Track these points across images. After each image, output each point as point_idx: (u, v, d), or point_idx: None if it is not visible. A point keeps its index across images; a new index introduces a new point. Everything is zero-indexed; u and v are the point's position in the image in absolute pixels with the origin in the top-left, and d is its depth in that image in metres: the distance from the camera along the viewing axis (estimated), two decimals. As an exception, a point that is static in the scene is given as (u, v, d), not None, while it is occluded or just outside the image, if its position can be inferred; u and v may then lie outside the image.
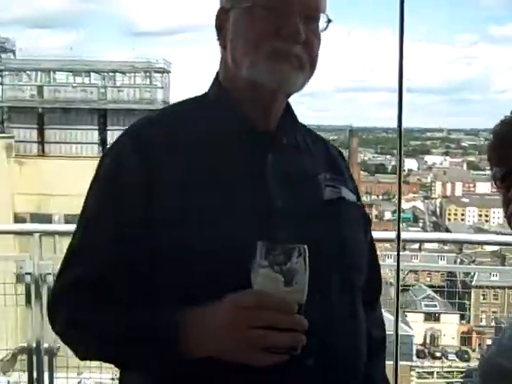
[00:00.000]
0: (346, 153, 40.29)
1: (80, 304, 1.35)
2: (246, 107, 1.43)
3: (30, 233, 4.08)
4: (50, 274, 4.02)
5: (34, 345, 4.06)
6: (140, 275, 1.34)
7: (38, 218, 36.23)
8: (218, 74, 1.50)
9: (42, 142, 37.91)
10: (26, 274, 3.95)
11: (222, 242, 1.28)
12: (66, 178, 34.67)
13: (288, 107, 1.52)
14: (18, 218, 36.47)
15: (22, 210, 36.83)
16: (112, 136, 37.87)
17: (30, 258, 3.99)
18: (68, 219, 36.85)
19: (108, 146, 1.55)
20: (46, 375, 4.56)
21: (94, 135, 37.78)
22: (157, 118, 1.51)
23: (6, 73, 39.04)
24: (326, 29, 1.44)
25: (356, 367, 1.47)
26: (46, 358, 4.29)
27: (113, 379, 5.41)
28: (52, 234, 4.30)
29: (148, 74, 38.66)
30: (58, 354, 4.62)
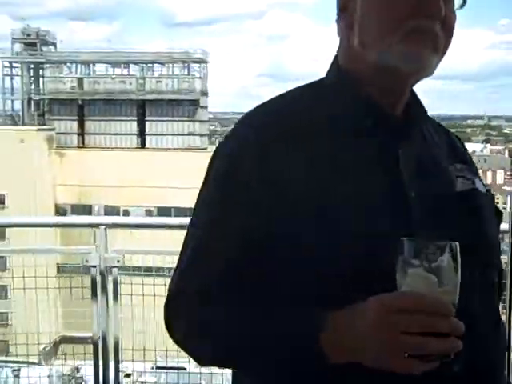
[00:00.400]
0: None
1: (203, 310, 1.24)
2: (373, 93, 1.29)
3: (96, 225, 4.06)
4: (116, 267, 3.99)
5: (100, 336, 4.06)
6: (265, 276, 1.21)
7: (78, 209, 36.81)
8: (336, 58, 1.36)
9: (82, 133, 38.38)
10: (91, 266, 3.93)
11: (356, 239, 1.17)
12: (106, 169, 35.13)
13: (413, 93, 1.38)
14: (58, 209, 37.06)
15: (63, 201, 37.39)
16: (150, 126, 38.20)
17: (95, 251, 3.96)
18: (108, 210, 37.39)
19: (225, 135, 1.37)
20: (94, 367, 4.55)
21: (133, 126, 38.08)
22: (274, 106, 1.36)
23: (47, 65, 39.59)
24: (462, 6, 1.28)
25: (502, 371, 1.37)
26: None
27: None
28: (117, 226, 4.25)
29: (186, 64, 38.79)
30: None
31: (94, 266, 3.98)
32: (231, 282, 1.22)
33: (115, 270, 4.02)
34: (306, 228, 1.18)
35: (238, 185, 1.24)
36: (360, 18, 1.26)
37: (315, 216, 1.17)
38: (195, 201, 1.32)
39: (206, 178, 1.33)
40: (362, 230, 1.17)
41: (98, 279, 4.01)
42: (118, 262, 3.99)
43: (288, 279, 1.20)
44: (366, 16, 1.25)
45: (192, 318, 1.25)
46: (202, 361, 1.33)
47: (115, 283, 4.05)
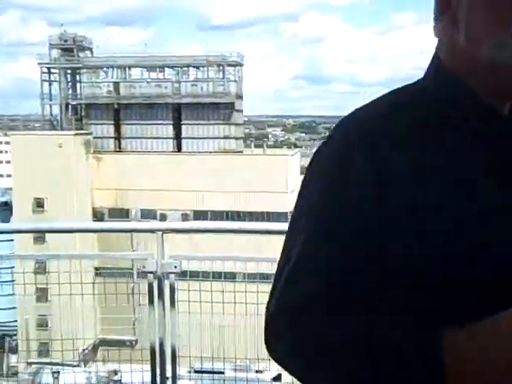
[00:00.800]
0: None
1: (309, 326, 1.13)
2: (482, 93, 1.19)
3: (151, 230, 4.06)
4: (172, 273, 3.96)
5: (157, 341, 4.06)
6: (381, 290, 1.11)
7: (115, 212, 37.16)
8: (435, 59, 1.27)
9: (118, 137, 38.73)
10: (149, 272, 3.91)
11: (473, 248, 1.09)
12: (142, 173, 35.38)
13: None
14: (96, 213, 37.45)
15: (100, 205, 37.77)
16: (186, 130, 38.39)
17: (152, 257, 3.94)
18: (144, 213, 37.68)
19: (328, 137, 1.28)
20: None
21: (169, 130, 38.29)
22: (377, 108, 1.27)
23: (84, 70, 40.02)
24: None
25: None
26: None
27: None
28: (172, 231, 4.22)
29: (221, 67, 38.87)
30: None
31: (152, 272, 3.96)
32: (341, 297, 1.13)
33: (172, 276, 4.00)
34: (435, 238, 1.09)
35: (349, 189, 1.15)
36: (467, 13, 1.17)
37: (424, 221, 1.09)
38: (294, 204, 1.24)
39: (308, 181, 1.23)
40: (476, 239, 1.09)
41: (155, 284, 3.99)
42: (175, 267, 3.98)
43: (407, 293, 1.11)
44: (475, 9, 1.16)
45: (297, 336, 1.15)
46: (304, 381, 1.23)
47: (172, 289, 4.05)
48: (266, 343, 1.19)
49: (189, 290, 4.30)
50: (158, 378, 4.08)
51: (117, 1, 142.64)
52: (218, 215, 34.12)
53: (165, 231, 3.98)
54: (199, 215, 35.06)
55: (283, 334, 1.17)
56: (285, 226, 1.31)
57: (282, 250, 1.21)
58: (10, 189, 39.02)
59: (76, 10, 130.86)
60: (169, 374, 4.24)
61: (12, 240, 20.41)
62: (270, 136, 71.41)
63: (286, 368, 1.20)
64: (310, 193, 1.21)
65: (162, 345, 4.07)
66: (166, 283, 4.01)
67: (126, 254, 5.54)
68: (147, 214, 35.85)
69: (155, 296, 4.02)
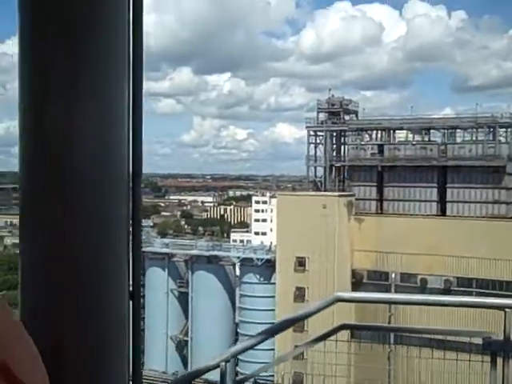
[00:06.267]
0: None
1: None
2: None
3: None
4: None
5: None
6: None
7: (374, 274, 36.77)
8: None
9: (380, 199, 38.61)
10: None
11: None
12: (404, 236, 34.65)
13: None
14: (355, 274, 37.39)
15: (360, 266, 37.67)
16: (451, 194, 37.00)
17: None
18: (404, 277, 36.75)
19: None
20: None
21: (433, 192, 37.25)
22: None
23: (349, 133, 40.88)
24: None
25: None
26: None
27: None
28: None
29: (491, 129, 37.08)
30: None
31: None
32: None
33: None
34: None
35: None
36: None
37: None
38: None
39: None
40: None
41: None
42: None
43: None
44: None
45: None
46: None
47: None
48: None
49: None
50: None
51: (373, 66, 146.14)
52: (485, 284, 32.11)
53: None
54: (463, 282, 33.33)
55: None
56: None
57: None
58: (274, 246, 40.74)
59: (334, 75, 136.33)
60: None
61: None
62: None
63: None
64: None
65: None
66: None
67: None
68: (407, 278, 34.95)
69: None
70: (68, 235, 1.88)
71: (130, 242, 2.06)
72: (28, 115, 1.91)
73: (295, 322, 4.48)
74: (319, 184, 42.58)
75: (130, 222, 2.07)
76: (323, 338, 4.65)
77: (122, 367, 2.00)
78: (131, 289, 2.09)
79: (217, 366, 4.42)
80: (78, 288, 1.87)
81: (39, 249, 1.89)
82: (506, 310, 3.48)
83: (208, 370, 4.91)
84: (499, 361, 3.53)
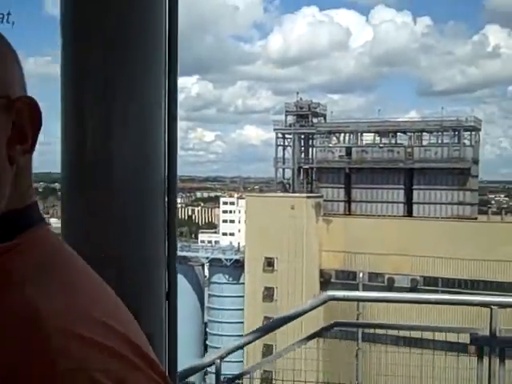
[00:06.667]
0: None
1: None
2: None
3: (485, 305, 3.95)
4: None
5: None
6: None
7: (342, 274, 37.18)
8: None
9: (348, 200, 39.08)
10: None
11: None
12: (371, 237, 35.14)
13: None
14: (323, 274, 37.78)
15: (328, 267, 38.07)
16: (418, 195, 37.66)
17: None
18: (372, 277, 37.23)
19: None
20: None
21: (400, 194, 37.86)
22: None
23: (317, 136, 41.28)
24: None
25: None
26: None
27: None
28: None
29: (457, 132, 37.84)
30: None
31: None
32: None
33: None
34: None
35: None
36: None
37: None
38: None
39: None
40: None
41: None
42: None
43: None
44: None
45: None
46: None
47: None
48: None
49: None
50: None
51: (337, 70, 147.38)
52: (451, 283, 32.73)
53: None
54: (429, 282, 33.91)
55: None
56: None
57: None
58: (242, 247, 40.95)
59: (302, 79, 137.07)
60: None
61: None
62: (492, 202, 68.28)
63: None
64: None
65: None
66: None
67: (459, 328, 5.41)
68: (374, 278, 35.42)
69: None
70: (112, 244, 1.99)
71: (167, 247, 2.22)
72: (70, 123, 1.98)
73: (289, 321, 4.69)
74: (287, 186, 42.90)
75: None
76: (315, 335, 4.90)
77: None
78: (167, 290, 2.24)
79: (212, 363, 4.61)
80: (119, 291, 2.00)
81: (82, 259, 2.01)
82: (492, 307, 3.74)
83: (203, 367, 5.11)
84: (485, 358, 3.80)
